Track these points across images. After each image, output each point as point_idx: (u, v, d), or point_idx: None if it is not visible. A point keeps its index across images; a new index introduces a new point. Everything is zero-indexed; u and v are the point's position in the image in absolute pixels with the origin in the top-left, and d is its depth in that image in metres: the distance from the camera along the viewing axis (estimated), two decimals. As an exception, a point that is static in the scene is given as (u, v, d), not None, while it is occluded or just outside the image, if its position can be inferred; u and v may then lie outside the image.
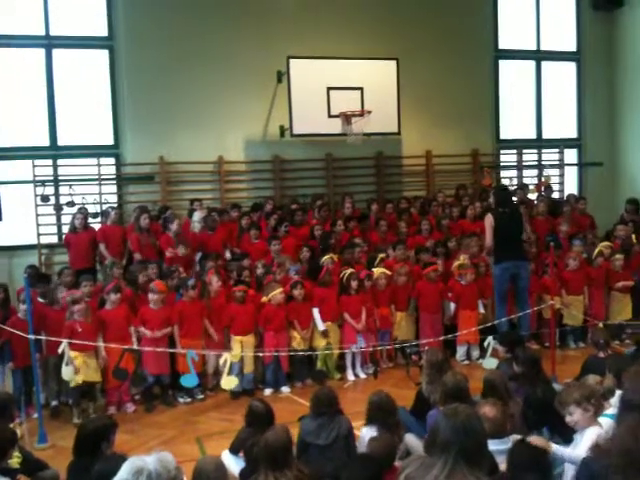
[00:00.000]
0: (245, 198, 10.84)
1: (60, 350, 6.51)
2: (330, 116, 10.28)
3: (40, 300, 7.34)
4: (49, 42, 10.18)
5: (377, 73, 10.72)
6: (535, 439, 3.83)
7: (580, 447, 3.76)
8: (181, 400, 7.33)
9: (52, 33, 10.19)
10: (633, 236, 9.83)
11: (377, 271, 8.33)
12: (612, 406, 4.33)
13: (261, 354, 7.37)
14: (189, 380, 6.83)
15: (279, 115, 10.61)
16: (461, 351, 8.48)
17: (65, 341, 6.49)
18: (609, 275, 9.10)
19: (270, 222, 9.67)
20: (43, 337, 6.77)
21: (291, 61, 10.17)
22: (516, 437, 4.01)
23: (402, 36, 11.43)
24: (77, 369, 6.66)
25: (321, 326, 7.85)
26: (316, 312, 7.88)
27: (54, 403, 7.18)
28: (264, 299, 7.68)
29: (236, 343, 7.46)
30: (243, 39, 10.74)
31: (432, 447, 2.87)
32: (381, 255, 8.64)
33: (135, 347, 7.02)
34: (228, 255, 8.95)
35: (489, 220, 8.50)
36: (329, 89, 10.29)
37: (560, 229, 9.91)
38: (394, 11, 11.49)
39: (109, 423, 4.53)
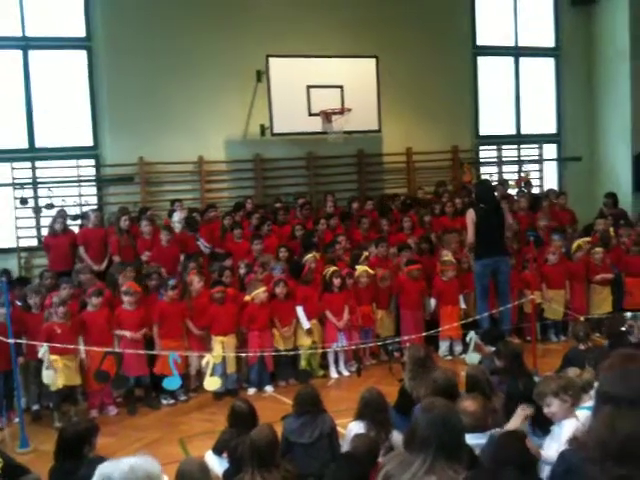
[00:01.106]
0: (226, 198, 10.81)
1: (40, 354, 6.47)
2: (310, 114, 10.28)
3: (18, 304, 7.28)
4: (26, 43, 10.07)
5: (357, 71, 10.73)
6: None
7: (556, 440, 3.78)
8: (164, 402, 7.31)
9: (29, 34, 10.08)
10: (611, 229, 9.93)
11: (359, 269, 8.34)
12: (592, 398, 4.37)
13: (243, 354, 7.36)
14: (172, 382, 6.81)
15: (259, 114, 10.58)
16: (444, 346, 8.52)
17: (45, 345, 6.44)
18: (589, 269, 9.19)
19: (252, 221, 9.65)
20: (23, 341, 6.70)
21: (270, 60, 10.15)
22: (497, 431, 4.03)
23: (381, 34, 11.44)
24: (56, 371, 6.61)
25: (306, 324, 7.85)
26: (300, 310, 7.88)
27: (35, 407, 7.12)
28: (247, 298, 7.67)
29: (217, 344, 7.43)
30: (222, 38, 10.70)
31: (411, 443, 2.88)
32: (365, 253, 8.65)
33: (116, 349, 6.98)
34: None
35: (470, 216, 8.55)
36: (309, 87, 10.28)
37: (539, 224, 9.98)
38: (373, 9, 11.50)
39: (90, 426, 4.49)
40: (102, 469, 2.63)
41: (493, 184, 10.39)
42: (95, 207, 9.96)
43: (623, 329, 6.10)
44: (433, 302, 8.60)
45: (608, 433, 1.63)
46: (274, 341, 7.75)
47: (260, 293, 7.64)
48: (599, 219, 10.40)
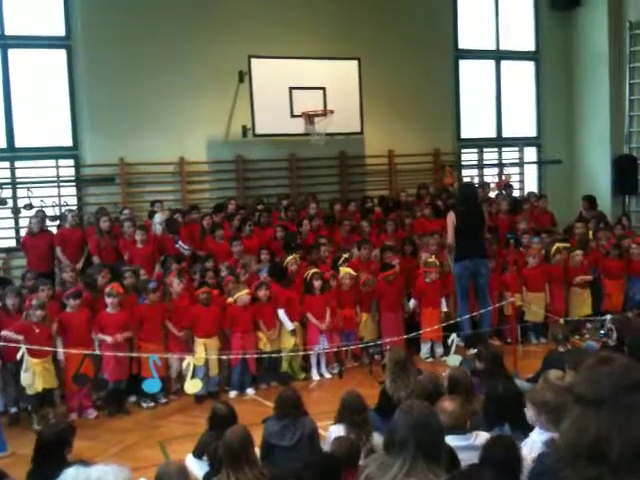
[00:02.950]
0: (207, 199, 10.77)
1: (19, 356, 6.39)
2: (293, 116, 10.27)
3: (-1, 304, 7.20)
4: (4, 42, 9.95)
5: (339, 73, 10.74)
6: None
7: (533, 444, 3.81)
8: (144, 405, 7.24)
9: (7, 33, 9.96)
10: (590, 232, 10.02)
11: (342, 271, 8.35)
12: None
13: (225, 356, 7.33)
14: (152, 385, 6.75)
15: (241, 115, 10.55)
16: (425, 349, 8.54)
17: (23, 347, 6.37)
18: (568, 271, 9.27)
19: (234, 223, 9.61)
20: (2, 343, 6.61)
21: (252, 60, 10.13)
22: (481, 434, 4.05)
23: (364, 36, 11.47)
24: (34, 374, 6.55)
25: (289, 325, 7.84)
26: (282, 313, 7.86)
27: (13, 410, 7.03)
28: (229, 300, 7.64)
29: (199, 346, 7.39)
30: (204, 38, 10.64)
31: (391, 445, 2.88)
32: (345, 255, 8.65)
33: (96, 352, 6.92)
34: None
35: (451, 218, 8.59)
36: (291, 89, 10.27)
37: (519, 227, 10.05)
38: (355, 11, 11.52)
39: (68, 428, 4.48)
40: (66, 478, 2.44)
41: (475, 187, 10.42)
42: (73, 208, 9.85)
43: (602, 332, 6.17)
44: (412, 303, 8.62)
45: (577, 434, 1.65)
46: (260, 344, 7.72)
47: (243, 295, 7.60)
48: (578, 222, 10.49)
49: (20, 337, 6.53)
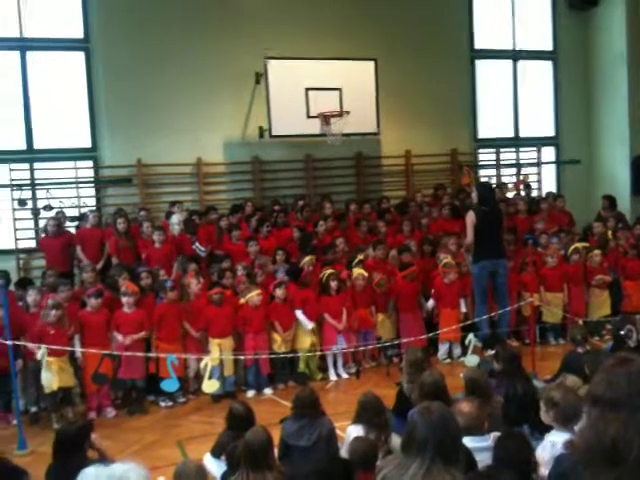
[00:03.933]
0: (224, 200, 10.81)
1: (39, 356, 6.46)
2: (309, 117, 10.26)
3: (19, 304, 7.27)
4: (23, 44, 10.06)
5: (355, 74, 10.72)
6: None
7: (552, 444, 3.78)
8: (162, 404, 7.29)
9: (26, 35, 10.07)
10: (609, 232, 9.93)
11: (355, 272, 8.34)
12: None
13: (240, 357, 7.35)
14: (170, 385, 6.80)
15: (258, 116, 10.58)
16: (443, 349, 8.51)
17: (43, 347, 6.44)
18: (587, 271, 9.19)
19: (251, 223, 9.64)
20: (22, 342, 6.68)
21: (269, 62, 10.14)
22: (497, 434, 4.03)
23: (380, 37, 11.46)
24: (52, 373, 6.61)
25: (309, 325, 7.85)
26: (299, 313, 7.87)
27: (33, 409, 7.10)
28: (242, 301, 7.66)
29: (214, 346, 7.42)
30: (220, 40, 10.69)
31: (408, 446, 2.87)
32: (359, 256, 8.64)
33: (114, 352, 6.97)
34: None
35: (470, 217, 8.55)
36: (307, 90, 10.27)
37: (536, 227, 9.98)
38: (371, 12, 11.52)
39: (86, 424, 4.55)
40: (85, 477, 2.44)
41: (493, 187, 10.37)
42: (93, 208, 9.94)
43: (622, 332, 6.10)
44: (431, 303, 8.60)
45: (595, 436, 1.64)
46: (275, 344, 7.74)
47: (254, 296, 7.62)
48: (597, 222, 10.40)
49: (35, 345, 6.57)
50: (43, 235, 9.22)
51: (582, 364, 5.32)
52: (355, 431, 4.67)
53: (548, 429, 4.16)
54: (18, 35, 10.03)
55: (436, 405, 3.05)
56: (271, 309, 7.79)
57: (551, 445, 3.81)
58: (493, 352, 5.90)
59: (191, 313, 7.55)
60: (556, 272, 9.00)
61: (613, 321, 8.21)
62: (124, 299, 7.22)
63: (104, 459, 4.65)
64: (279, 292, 7.78)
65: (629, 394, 1.63)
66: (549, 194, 11.75)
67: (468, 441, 3.75)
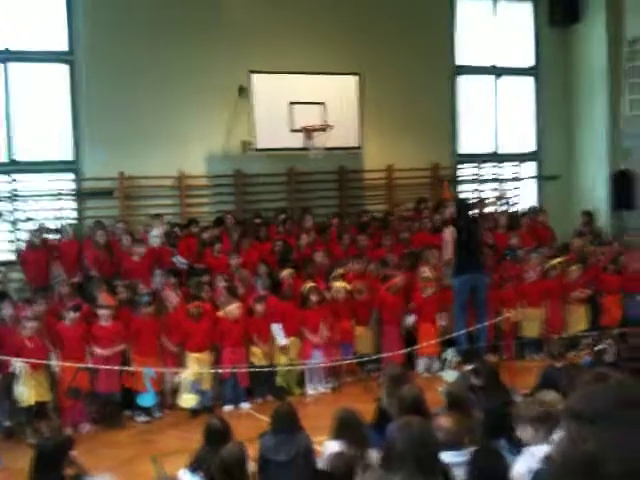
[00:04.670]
0: (206, 213, 10.77)
1: (16, 370, 6.38)
2: (292, 130, 10.30)
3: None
4: (6, 56, 10.01)
5: (339, 88, 10.78)
6: None
7: (529, 459, 3.79)
8: (139, 419, 7.22)
9: (10, 47, 10.01)
10: (588, 248, 10.02)
11: (336, 285, 8.34)
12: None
13: (219, 370, 7.31)
14: (147, 399, 6.76)
15: (241, 129, 10.57)
16: (421, 364, 8.52)
17: (19, 360, 6.35)
18: (565, 287, 9.26)
19: (233, 236, 9.62)
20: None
21: (253, 76, 10.17)
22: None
23: (363, 52, 11.52)
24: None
25: (283, 341, 7.81)
26: (275, 327, 7.84)
27: (6, 424, 6.99)
28: (220, 314, 7.63)
29: (192, 360, 7.38)
30: (204, 53, 10.71)
31: (388, 461, 2.88)
32: (339, 270, 8.64)
33: (89, 365, 6.89)
34: None
35: (451, 233, 8.60)
36: (291, 104, 10.31)
37: (511, 242, 10.04)
38: (355, 27, 11.59)
39: (67, 440, 4.49)
40: None
41: (472, 202, 10.45)
42: (72, 221, 9.86)
43: (599, 347, 6.16)
44: (411, 318, 8.61)
45: (572, 452, 1.65)
46: (254, 358, 7.70)
47: (233, 309, 7.59)
48: (576, 237, 10.50)
49: (16, 359, 6.49)
50: (24, 248, 9.10)
51: (560, 378, 5.35)
52: (333, 446, 4.65)
53: (524, 444, 4.17)
54: (1, 47, 9.96)
55: (415, 420, 3.06)
56: (250, 323, 7.75)
57: (530, 456, 3.82)
58: (471, 367, 5.91)
59: (169, 326, 7.50)
60: (535, 287, 9.06)
61: (591, 336, 8.28)
62: (100, 312, 7.19)
63: (82, 476, 4.60)
64: (259, 307, 7.76)
65: (607, 409, 1.64)
66: (531, 208, 11.85)
67: (447, 456, 3.75)
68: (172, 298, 7.60)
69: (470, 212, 8.98)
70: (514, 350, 7.78)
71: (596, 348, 6.12)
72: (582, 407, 1.66)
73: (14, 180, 10.01)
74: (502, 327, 8.61)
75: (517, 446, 4.49)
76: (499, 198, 12.09)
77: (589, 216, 11.37)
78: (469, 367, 6.11)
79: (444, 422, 4.12)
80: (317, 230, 10.15)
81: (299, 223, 10.44)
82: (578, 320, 9.21)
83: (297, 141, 10.32)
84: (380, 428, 5.25)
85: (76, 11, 10.23)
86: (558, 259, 9.40)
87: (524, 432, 3.98)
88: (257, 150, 10.27)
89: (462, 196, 12.14)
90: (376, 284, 8.77)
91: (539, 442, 3.88)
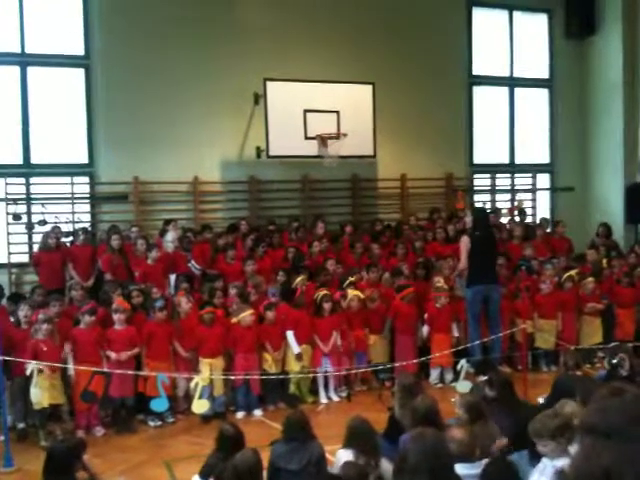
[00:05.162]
0: (220, 219, 10.81)
1: (29, 372, 6.40)
2: (306, 138, 10.33)
3: (11, 320, 7.22)
4: (24, 60, 10.11)
5: (353, 97, 10.81)
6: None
7: (545, 473, 3.76)
8: (151, 423, 7.22)
9: (27, 51, 10.12)
10: (604, 260, 9.96)
11: (350, 293, 8.33)
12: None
13: (231, 377, 7.30)
14: (159, 404, 6.75)
15: (255, 136, 10.62)
16: (434, 374, 8.49)
17: (34, 363, 6.38)
18: (580, 299, 9.20)
19: (247, 243, 9.63)
20: (12, 358, 6.61)
21: (268, 83, 10.22)
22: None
23: (378, 61, 11.56)
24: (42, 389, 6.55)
25: (296, 349, 7.80)
26: (290, 335, 7.83)
27: (21, 425, 7.01)
28: (233, 321, 7.64)
29: (205, 366, 7.37)
30: (220, 60, 10.77)
31: (401, 473, 2.86)
32: (351, 278, 8.63)
33: (104, 369, 6.90)
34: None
35: (465, 243, 8.57)
36: (306, 111, 10.34)
37: (525, 253, 9.99)
38: (371, 36, 11.63)
39: (79, 443, 4.50)
40: None
41: (487, 211, 10.41)
42: (86, 225, 9.92)
43: (614, 361, 6.08)
44: (426, 329, 8.58)
45: (587, 466, 1.64)
46: (266, 365, 7.69)
47: (246, 316, 7.59)
48: (590, 249, 10.44)
49: (31, 361, 6.51)
50: (38, 250, 9.14)
51: (573, 387, 5.29)
52: (345, 455, 4.63)
53: (540, 456, 4.14)
54: (19, 50, 10.07)
55: (429, 431, 3.04)
56: (262, 330, 7.75)
57: (544, 467, 3.79)
58: (485, 378, 5.87)
59: (181, 332, 7.51)
60: (550, 299, 9.01)
61: (605, 349, 8.20)
62: (115, 316, 7.20)
63: (94, 480, 4.62)
64: (269, 314, 7.76)
65: (622, 424, 1.63)
66: (544, 220, 11.80)
67: (460, 468, 3.73)
68: (184, 303, 7.61)
69: (484, 222, 8.92)
70: (528, 362, 7.71)
71: (612, 361, 6.05)
72: (597, 421, 1.65)
73: (29, 182, 10.10)
74: (517, 338, 8.55)
75: (539, 458, 4.46)
76: (515, 209, 12.03)
77: (606, 228, 11.29)
78: (483, 378, 6.06)
79: (457, 434, 4.10)
80: (329, 238, 10.14)
81: (312, 231, 10.45)
82: (593, 333, 9.12)
83: (311, 149, 10.35)
84: (392, 438, 5.23)
85: (92, 16, 10.34)
86: (574, 270, 9.32)
87: (544, 447, 3.93)
88: (270, 157, 10.31)
89: (476, 206, 12.10)
90: (390, 293, 8.74)
91: (559, 455, 3.85)
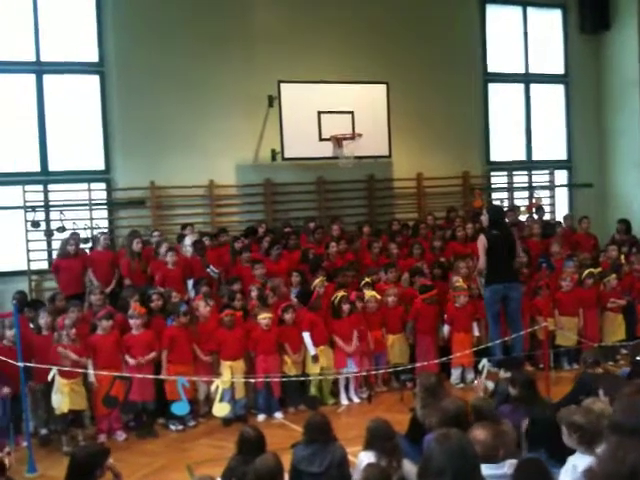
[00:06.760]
0: (236, 222, 10.83)
1: (50, 377, 6.44)
2: (321, 139, 10.33)
3: (31, 326, 7.26)
4: (40, 68, 10.20)
5: (367, 97, 10.80)
6: None
7: (571, 472, 3.71)
8: (172, 427, 7.23)
9: (43, 59, 10.20)
10: (622, 256, 9.84)
11: (367, 294, 8.29)
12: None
13: (252, 379, 7.29)
14: (180, 407, 6.74)
15: (270, 139, 10.63)
16: (455, 374, 8.42)
17: (55, 368, 6.41)
18: (601, 296, 9.09)
19: (263, 245, 9.63)
20: (33, 364, 6.65)
21: (282, 85, 10.23)
22: (514, 463, 3.96)
23: (392, 60, 11.53)
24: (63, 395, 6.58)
25: (312, 350, 7.78)
26: (307, 336, 7.81)
27: (43, 431, 7.04)
28: (253, 322, 7.63)
29: (226, 368, 7.36)
30: (234, 63, 10.80)
31: (425, 474, 2.82)
32: (367, 279, 8.59)
33: (124, 374, 6.92)
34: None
35: (482, 241, 8.49)
36: (320, 113, 10.34)
37: (552, 250, 9.90)
38: (384, 35, 11.60)
39: (102, 449, 4.50)
40: None
41: (504, 210, 10.33)
42: (105, 230, 9.97)
43: (638, 358, 6.01)
44: (446, 329, 8.53)
45: (613, 464, 1.60)
46: (285, 367, 7.68)
47: (265, 319, 7.58)
48: (611, 246, 10.32)
49: (50, 367, 6.54)
50: (57, 256, 9.20)
51: (595, 384, 5.23)
52: (366, 457, 4.60)
53: (566, 454, 4.08)
54: (34, 59, 10.16)
55: (454, 432, 3.00)
56: (281, 332, 7.73)
57: (573, 468, 3.74)
58: (508, 374, 5.82)
59: (200, 335, 7.52)
60: (571, 296, 8.91)
61: (628, 346, 8.11)
62: (131, 321, 7.22)
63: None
64: (287, 316, 7.75)
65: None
66: (570, 216, 11.68)
67: (484, 469, 3.68)
68: (201, 307, 7.61)
69: (501, 220, 8.83)
70: (550, 360, 7.63)
71: (636, 358, 5.97)
72: (623, 419, 1.62)
73: (47, 190, 10.17)
74: (538, 336, 8.45)
75: (556, 458, 4.40)
76: (534, 206, 11.92)
77: (625, 224, 11.16)
78: (505, 375, 6.00)
79: (480, 435, 4.04)
80: (346, 239, 10.11)
81: (328, 232, 10.42)
82: (615, 330, 9.02)
83: (326, 150, 10.34)
84: (414, 439, 5.19)
85: (106, 23, 10.41)
86: (597, 269, 9.21)
87: (570, 440, 3.89)
88: (286, 159, 10.31)
89: (493, 204, 12.01)
90: (409, 293, 8.69)
91: (583, 452, 3.80)
